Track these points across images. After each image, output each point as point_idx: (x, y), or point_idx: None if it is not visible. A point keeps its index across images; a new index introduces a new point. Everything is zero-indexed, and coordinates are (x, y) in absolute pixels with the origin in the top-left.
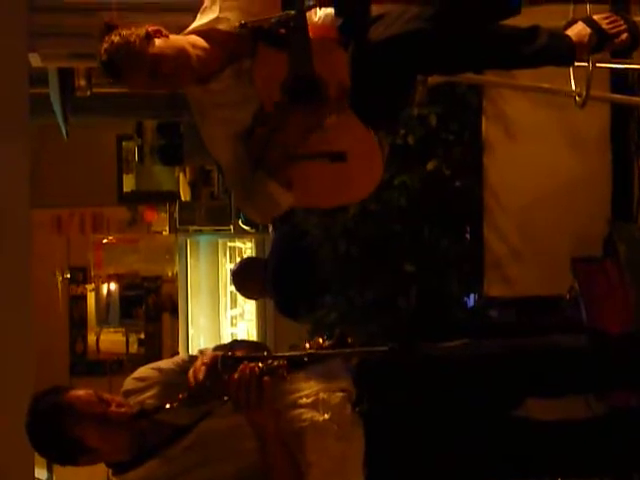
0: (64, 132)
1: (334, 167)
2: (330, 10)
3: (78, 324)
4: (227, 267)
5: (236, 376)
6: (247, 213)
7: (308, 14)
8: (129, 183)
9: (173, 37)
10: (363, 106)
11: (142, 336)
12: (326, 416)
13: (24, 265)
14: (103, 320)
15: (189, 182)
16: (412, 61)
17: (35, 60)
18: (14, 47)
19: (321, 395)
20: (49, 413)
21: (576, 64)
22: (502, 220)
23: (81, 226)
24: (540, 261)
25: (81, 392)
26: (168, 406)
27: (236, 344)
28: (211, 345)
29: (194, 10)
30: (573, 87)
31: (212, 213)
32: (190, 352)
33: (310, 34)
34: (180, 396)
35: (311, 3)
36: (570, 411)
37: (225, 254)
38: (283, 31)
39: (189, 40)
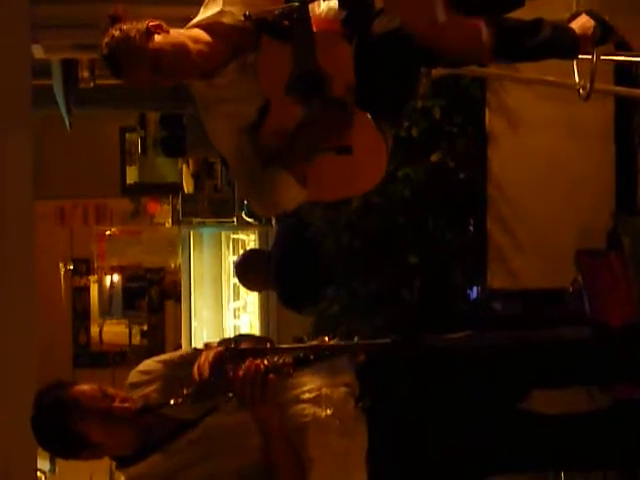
0: (67, 124)
1: (339, 160)
2: (334, 3)
3: (81, 315)
4: (230, 259)
5: (241, 373)
6: (253, 206)
7: (311, 6)
8: (132, 175)
9: (174, 32)
10: (367, 99)
11: (145, 328)
12: (328, 411)
13: (27, 256)
14: (106, 312)
15: (192, 174)
16: (416, 53)
17: (38, 51)
18: (17, 39)
19: (324, 390)
20: (53, 408)
21: (580, 56)
22: (506, 212)
23: (84, 218)
24: (544, 253)
25: (85, 387)
26: (172, 402)
27: (241, 338)
28: (214, 337)
29: (198, 3)
30: (577, 80)
31: (215, 205)
32: (193, 344)
33: (314, 26)
34: (185, 392)
35: None
36: (573, 404)
37: (228, 246)
38: (287, 23)
39: (191, 35)
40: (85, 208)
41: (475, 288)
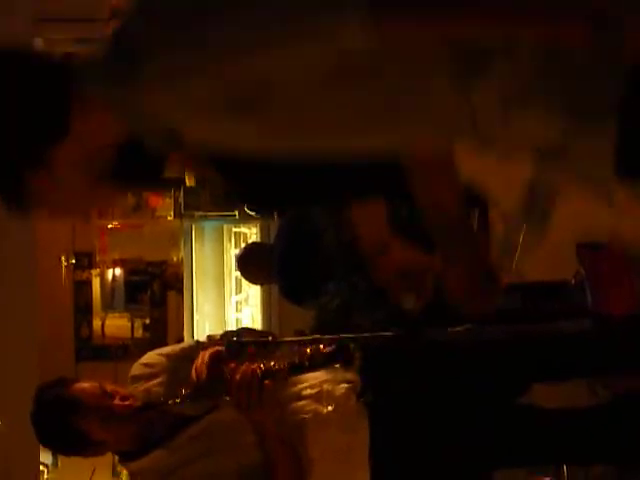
0: None
1: None
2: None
3: (83, 309)
4: (232, 252)
5: (237, 377)
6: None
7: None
8: None
9: None
10: None
11: (147, 321)
12: (330, 408)
13: (29, 250)
14: (108, 305)
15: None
16: None
17: (39, 45)
18: (19, 32)
19: (325, 387)
20: (54, 406)
21: None
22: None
23: None
24: (545, 246)
25: (86, 385)
26: (171, 402)
27: (243, 331)
28: (216, 330)
29: None
30: None
31: (217, 198)
32: (195, 337)
33: None
34: (183, 392)
35: None
36: (574, 398)
37: (230, 239)
38: None
39: None
40: None
41: None
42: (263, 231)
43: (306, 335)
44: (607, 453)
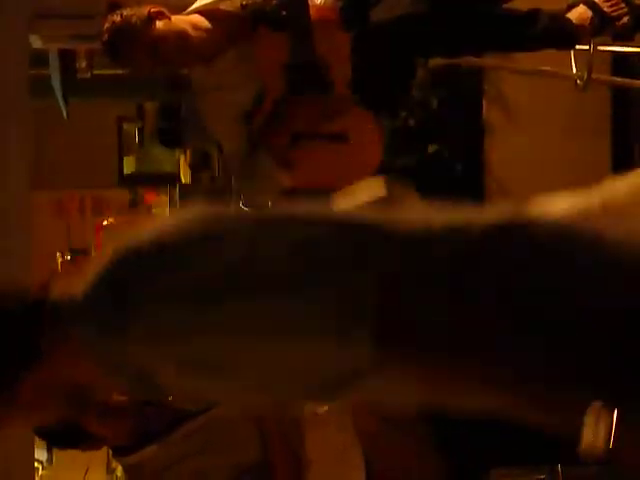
0: (64, 114)
1: (333, 148)
2: None
3: None
4: None
5: None
6: (245, 193)
7: None
8: (129, 165)
9: (175, 19)
10: (363, 89)
11: None
12: (326, 407)
13: (25, 247)
14: None
15: (189, 165)
16: (413, 44)
17: (36, 41)
18: (15, 28)
19: None
20: None
21: (577, 47)
22: (502, 202)
23: (81, 208)
24: None
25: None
26: (171, 398)
27: None
28: None
29: None
30: (574, 70)
31: (212, 195)
32: None
33: (311, 15)
34: None
35: None
36: None
37: None
38: (284, 13)
39: (191, 21)
40: (82, 199)
41: None
42: None
43: None
44: None
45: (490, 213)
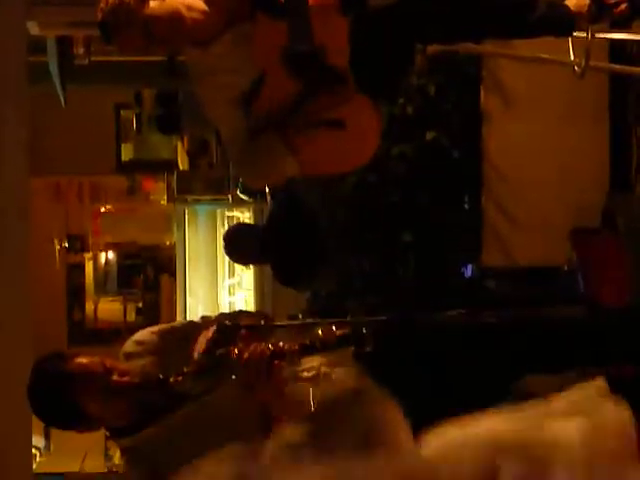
0: (62, 100)
1: (331, 134)
2: None
3: (76, 293)
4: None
5: (246, 356)
6: (244, 177)
7: None
8: (127, 152)
9: (169, 0)
10: (362, 74)
11: (140, 305)
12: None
13: (23, 233)
14: (101, 289)
15: (187, 151)
16: (411, 29)
17: (33, 28)
18: (13, 15)
19: (322, 369)
20: (53, 380)
21: (575, 34)
22: (501, 190)
23: (79, 194)
24: (538, 232)
25: (85, 360)
26: (172, 380)
27: (240, 314)
28: (209, 314)
29: None
30: (572, 57)
31: (210, 182)
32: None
33: (309, 0)
34: (185, 370)
35: None
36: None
37: (223, 224)
38: None
39: (186, 2)
40: (80, 185)
41: (469, 266)
42: (256, 215)
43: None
44: None
45: None
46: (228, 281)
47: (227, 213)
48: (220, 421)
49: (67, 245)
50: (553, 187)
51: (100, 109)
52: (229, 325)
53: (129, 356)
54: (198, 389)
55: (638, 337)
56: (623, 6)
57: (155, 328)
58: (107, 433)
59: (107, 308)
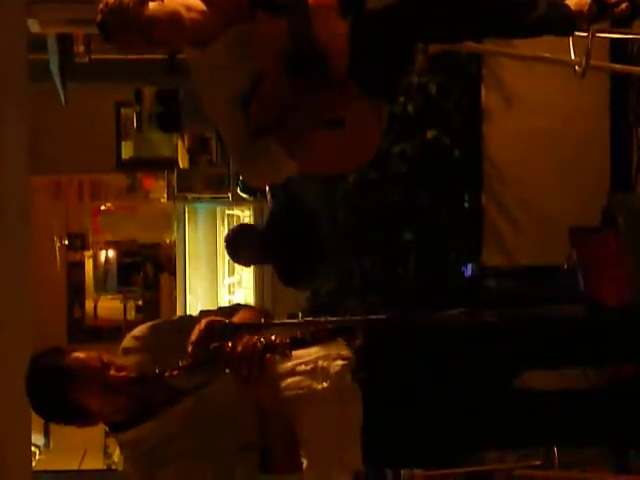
0: (63, 98)
1: (332, 134)
2: None
3: (76, 290)
4: (225, 235)
5: (238, 349)
6: (244, 176)
7: None
8: (127, 150)
9: (168, 0)
10: (362, 73)
11: (140, 303)
12: (324, 384)
13: (23, 231)
14: (101, 287)
15: (187, 149)
16: (412, 29)
17: (34, 26)
18: (13, 13)
19: (320, 363)
20: (50, 375)
21: (576, 34)
22: (501, 189)
23: (79, 193)
24: (538, 230)
25: (83, 355)
26: (167, 374)
27: (238, 307)
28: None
29: None
30: (573, 57)
31: (210, 181)
32: None
33: (309, 0)
34: (180, 364)
35: None
36: (568, 382)
37: (223, 222)
38: None
39: (185, 2)
40: (80, 183)
41: (470, 265)
42: (256, 213)
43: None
44: (599, 436)
45: None
46: (228, 280)
47: (227, 211)
48: (218, 414)
49: (67, 243)
50: (554, 186)
51: (100, 107)
52: (229, 325)
53: (127, 351)
54: (194, 383)
55: (638, 336)
56: (624, 5)
57: (153, 323)
58: (106, 428)
59: (107, 306)
